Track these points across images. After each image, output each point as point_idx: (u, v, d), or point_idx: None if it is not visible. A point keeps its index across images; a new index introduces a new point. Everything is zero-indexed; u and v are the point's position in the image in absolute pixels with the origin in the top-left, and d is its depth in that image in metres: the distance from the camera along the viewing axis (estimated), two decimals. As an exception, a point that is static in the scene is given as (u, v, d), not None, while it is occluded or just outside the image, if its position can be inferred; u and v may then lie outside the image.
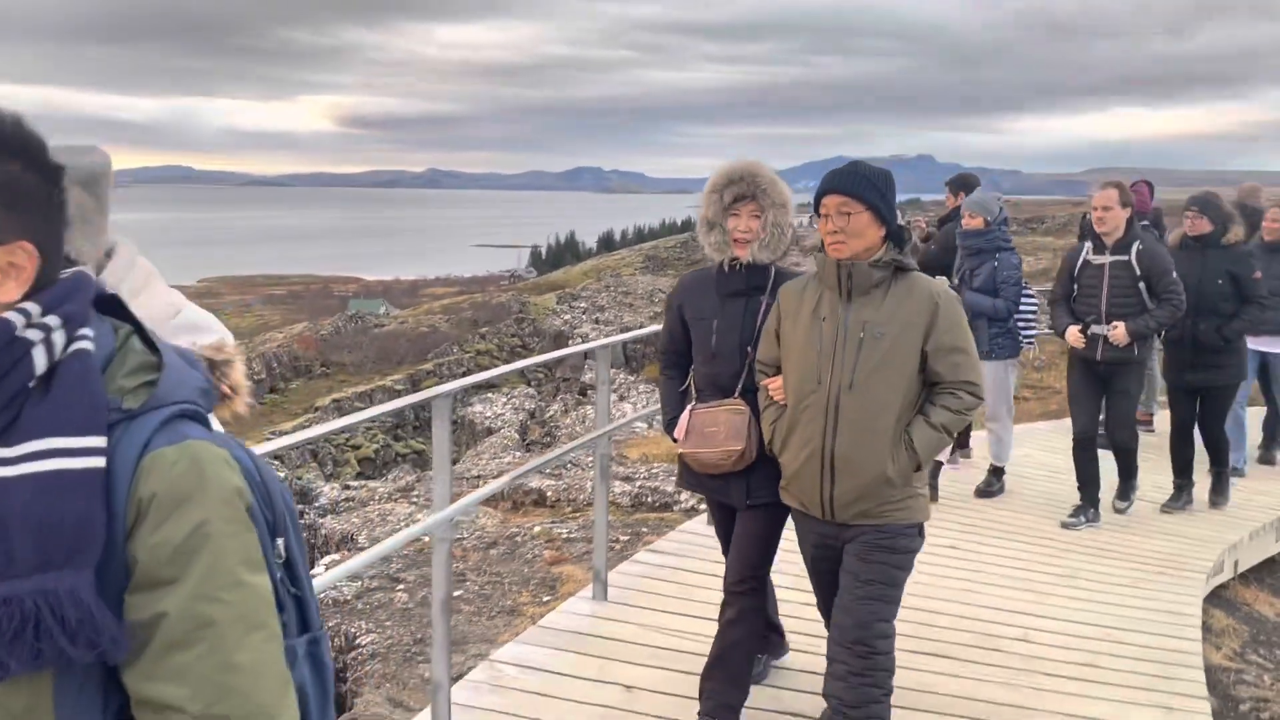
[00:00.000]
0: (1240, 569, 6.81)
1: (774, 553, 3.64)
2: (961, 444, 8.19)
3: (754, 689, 3.79)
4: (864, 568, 3.14)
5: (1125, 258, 5.89)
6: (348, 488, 11.03)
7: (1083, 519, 6.37)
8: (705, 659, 3.67)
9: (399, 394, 19.73)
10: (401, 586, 6.06)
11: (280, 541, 1.10)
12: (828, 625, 3.40)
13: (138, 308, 1.37)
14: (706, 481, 3.54)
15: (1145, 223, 8.17)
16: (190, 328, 1.46)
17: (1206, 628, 5.70)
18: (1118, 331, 5.83)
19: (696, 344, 3.54)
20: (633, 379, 18.87)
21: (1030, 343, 7.45)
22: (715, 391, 3.46)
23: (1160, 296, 5.84)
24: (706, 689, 3.60)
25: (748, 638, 3.58)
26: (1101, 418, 6.67)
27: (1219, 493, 6.91)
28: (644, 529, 6.80)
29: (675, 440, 3.54)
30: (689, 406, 3.50)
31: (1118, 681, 4.66)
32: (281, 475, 11.71)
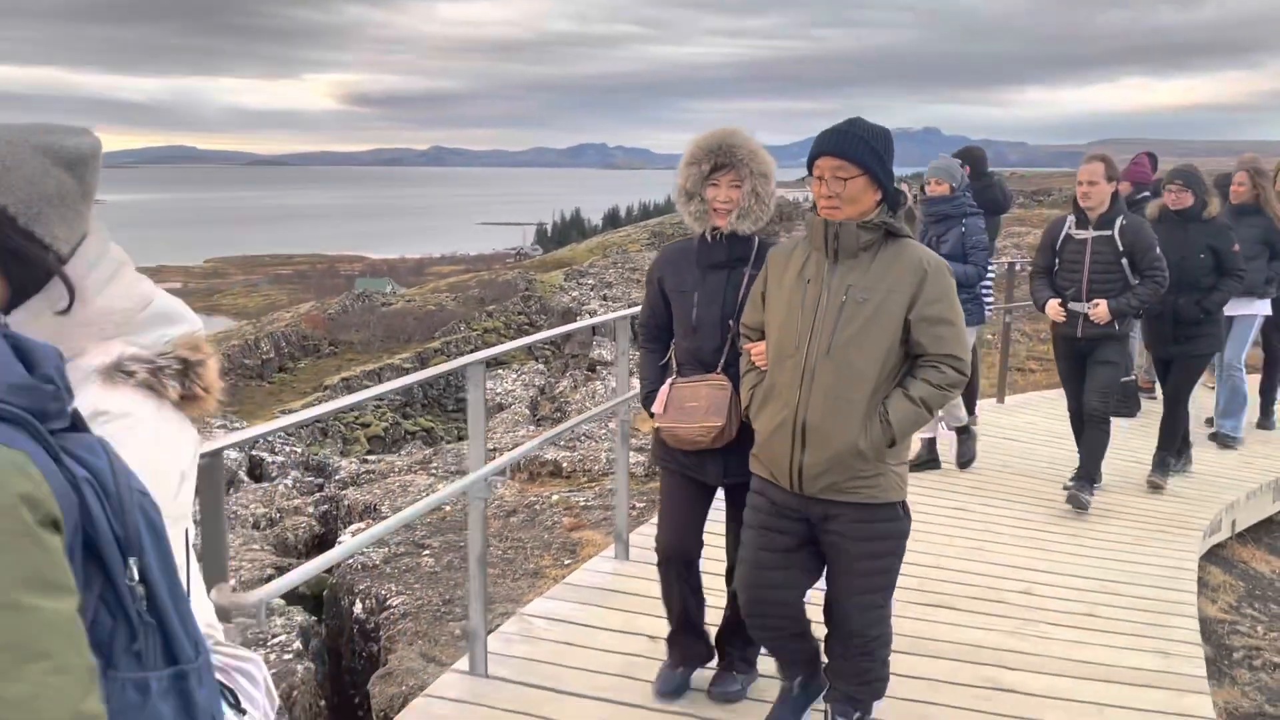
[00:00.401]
0: (1238, 529, 6.91)
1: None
2: (969, 410, 8.32)
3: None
4: (859, 566, 3.07)
5: (1109, 233, 5.81)
6: (365, 461, 11.18)
7: (1077, 488, 6.32)
8: (723, 613, 3.74)
9: (406, 372, 19.84)
10: (427, 552, 6.19)
11: (133, 562, 0.98)
12: (728, 582, 3.51)
13: (107, 298, 1.36)
14: (680, 458, 3.44)
15: (1146, 193, 8.42)
16: (162, 319, 1.39)
17: (1203, 583, 5.81)
18: (1099, 310, 5.79)
19: (677, 317, 3.41)
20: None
21: (990, 311, 7.37)
22: (697, 366, 3.36)
23: (1143, 273, 5.79)
24: (725, 647, 3.70)
25: (698, 587, 3.67)
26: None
27: (1161, 472, 6.69)
28: (658, 496, 6.95)
29: (653, 415, 3.42)
30: (669, 380, 3.39)
31: (1117, 629, 4.79)
32: (298, 451, 11.88)
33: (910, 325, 2.89)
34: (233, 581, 2.85)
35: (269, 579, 6.02)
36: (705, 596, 3.77)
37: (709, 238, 3.29)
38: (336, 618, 5.96)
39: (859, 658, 3.16)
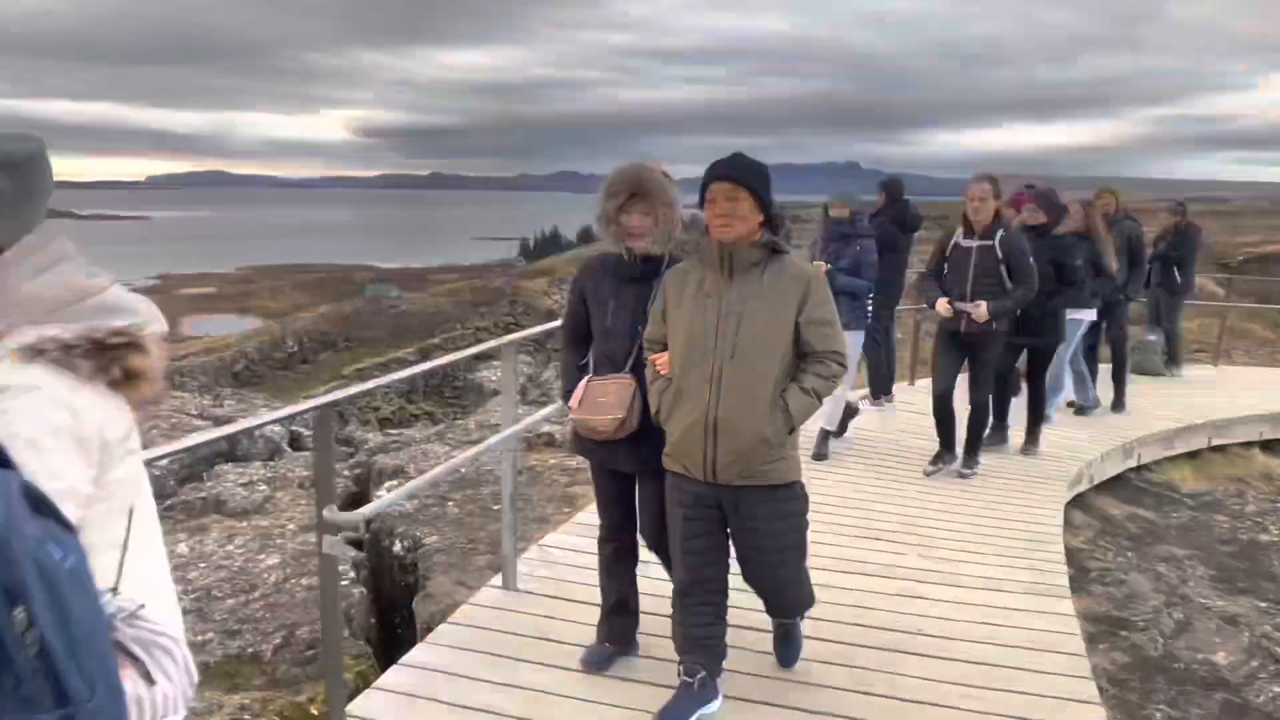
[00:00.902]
0: (1095, 482, 7.12)
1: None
2: (885, 390, 8.44)
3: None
4: (770, 542, 3.00)
5: (990, 243, 5.65)
6: (387, 435, 11.29)
7: (941, 465, 6.22)
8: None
9: (411, 364, 19.86)
10: (451, 503, 6.28)
11: (19, 611, 0.83)
12: (664, 562, 3.32)
13: (36, 287, 1.28)
14: (595, 449, 3.29)
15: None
16: (104, 311, 1.29)
17: (1068, 521, 6.00)
18: (980, 310, 5.63)
19: (595, 323, 3.30)
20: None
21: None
22: (609, 366, 3.22)
23: (1017, 279, 5.67)
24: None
25: (633, 570, 3.54)
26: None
27: (1033, 441, 6.76)
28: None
29: (570, 408, 3.28)
30: (585, 379, 3.26)
31: (1002, 553, 4.99)
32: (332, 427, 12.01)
33: (799, 328, 2.84)
34: (331, 510, 3.04)
35: (297, 536, 6.15)
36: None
37: (625, 257, 3.19)
38: (377, 555, 6.01)
39: (788, 600, 3.19)
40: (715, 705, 3.00)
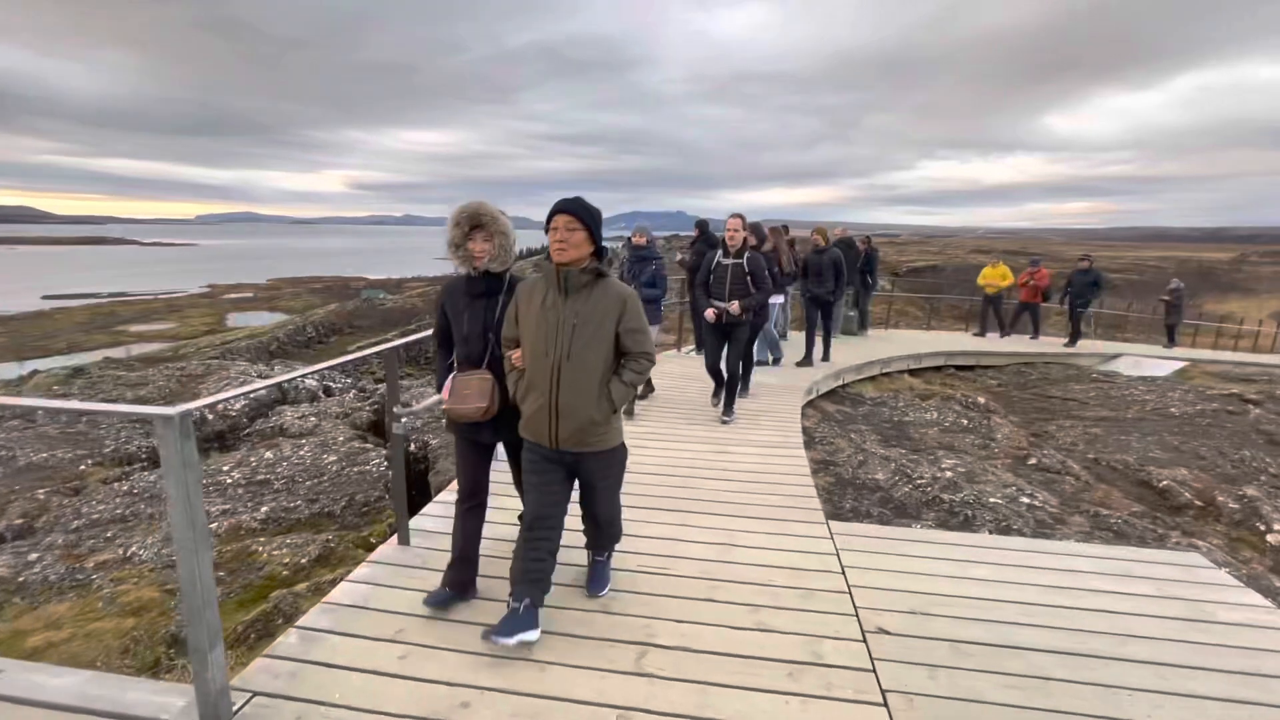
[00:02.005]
0: (818, 392, 7.40)
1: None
2: (776, 355, 8.08)
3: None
4: (603, 484, 2.62)
5: (741, 261, 5.25)
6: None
7: (717, 398, 5.88)
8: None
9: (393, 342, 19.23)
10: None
11: None
12: (529, 514, 2.55)
13: None
14: (464, 428, 2.74)
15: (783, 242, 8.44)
16: None
17: (805, 413, 6.41)
18: (734, 306, 5.21)
19: (455, 331, 2.74)
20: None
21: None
22: (469, 364, 2.71)
23: (758, 285, 5.26)
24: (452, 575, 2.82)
25: (476, 533, 2.83)
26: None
27: (730, 407, 5.70)
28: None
29: (443, 400, 2.73)
30: (452, 375, 2.74)
31: (764, 430, 5.26)
32: (348, 381, 11.70)
33: (619, 335, 2.48)
34: (399, 406, 2.94)
35: (347, 442, 6.05)
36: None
37: (472, 275, 2.67)
38: (399, 451, 6.14)
39: (608, 529, 2.79)
40: (534, 635, 2.47)
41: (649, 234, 5.76)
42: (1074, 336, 11.89)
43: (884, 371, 9.05)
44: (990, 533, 4.23)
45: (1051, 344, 11.96)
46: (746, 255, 5.28)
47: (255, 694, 2.23)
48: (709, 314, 5.34)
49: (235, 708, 2.15)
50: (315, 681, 2.28)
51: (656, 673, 2.37)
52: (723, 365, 5.69)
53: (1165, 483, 5.54)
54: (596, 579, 2.91)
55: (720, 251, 5.37)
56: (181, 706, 2.13)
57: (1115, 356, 11.59)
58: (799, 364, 7.98)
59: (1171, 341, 13.67)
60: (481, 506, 2.82)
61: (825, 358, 8.29)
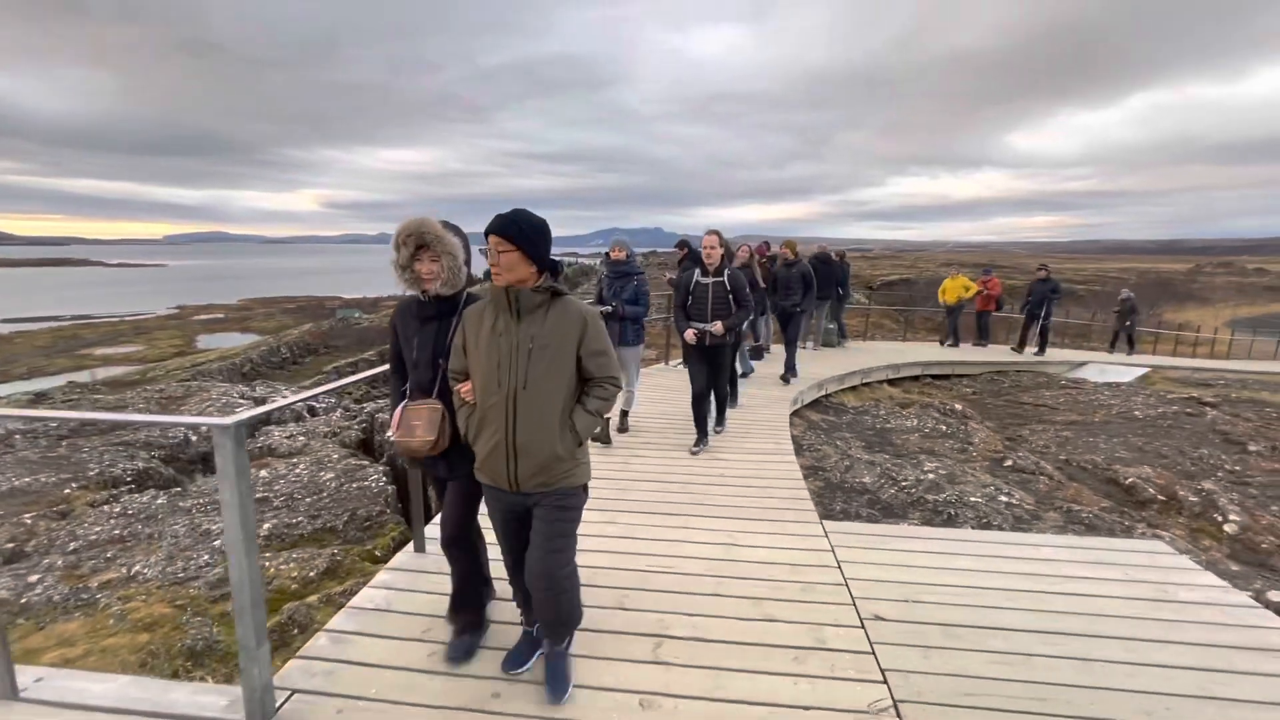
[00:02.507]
0: (803, 403, 7.48)
1: (476, 511, 2.55)
2: (758, 355, 8.49)
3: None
4: (548, 528, 2.23)
5: (721, 279, 4.97)
6: (376, 402, 10.98)
7: (699, 447, 5.11)
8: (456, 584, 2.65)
9: (374, 364, 19.16)
10: None
11: None
12: (509, 569, 2.42)
13: None
14: (417, 461, 2.53)
15: (765, 259, 8.81)
16: None
17: (792, 421, 6.47)
18: (717, 326, 4.93)
19: (405, 357, 2.50)
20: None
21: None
22: (420, 392, 2.44)
23: (740, 304, 4.99)
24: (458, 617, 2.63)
25: (474, 571, 2.61)
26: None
27: (721, 418, 5.60)
28: None
29: (391, 431, 2.46)
30: (401, 404, 2.47)
31: (757, 439, 5.35)
32: (332, 401, 11.61)
33: (581, 359, 2.21)
34: (389, 433, 2.81)
35: (342, 460, 6.08)
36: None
37: (422, 298, 2.43)
38: (394, 467, 5.93)
39: (560, 599, 2.27)
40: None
41: (629, 248, 5.25)
42: (1041, 346, 11.92)
43: (864, 381, 9.19)
44: (972, 528, 4.46)
45: (1002, 351, 12.04)
46: (727, 272, 4.99)
47: (295, 691, 2.33)
48: (689, 335, 4.96)
49: (278, 704, 2.25)
50: (350, 679, 2.38)
51: (672, 661, 2.50)
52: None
53: (1131, 480, 5.87)
54: (556, 678, 2.35)
55: (699, 270, 5.03)
56: (224, 705, 2.23)
57: (1082, 364, 12.03)
58: (781, 377, 7.87)
59: (1130, 347, 14.10)
60: (468, 548, 2.53)
61: (792, 370, 7.95)
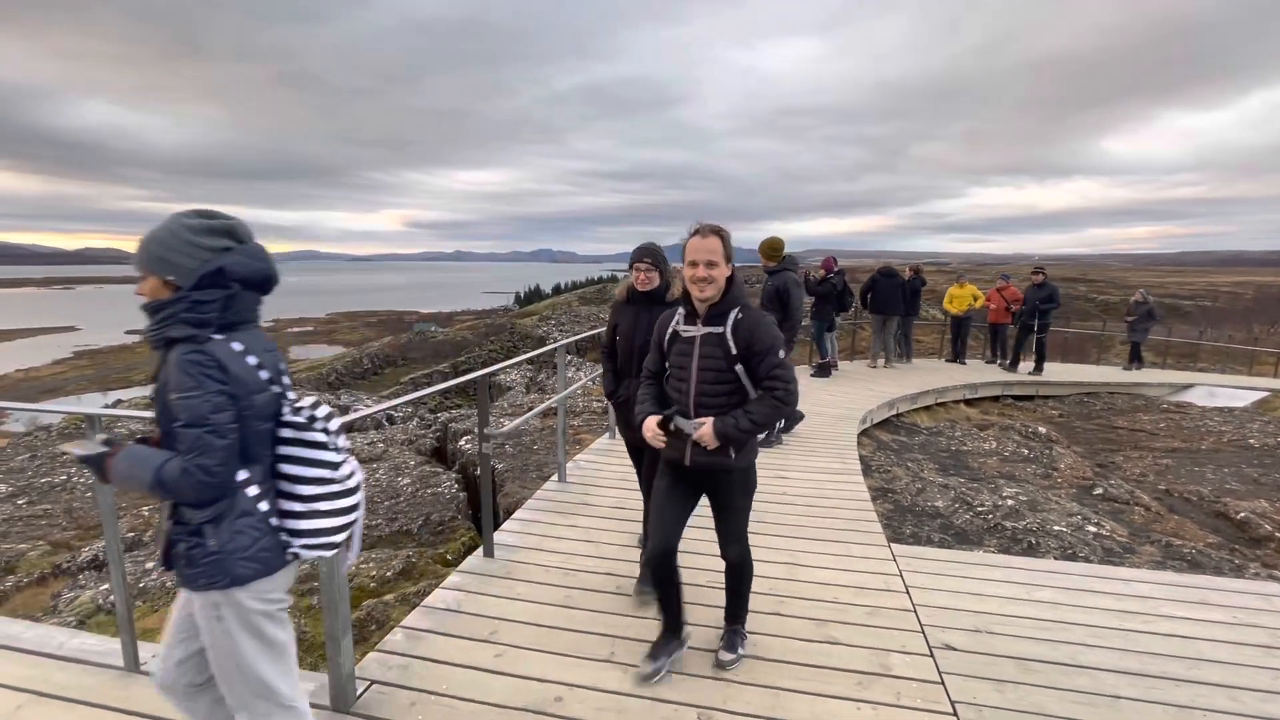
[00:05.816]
0: (872, 421, 7.40)
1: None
2: (824, 372, 8.49)
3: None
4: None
5: (721, 330, 2.99)
6: (449, 413, 11.46)
7: (662, 659, 2.58)
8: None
9: (447, 376, 19.48)
10: (507, 446, 6.38)
11: None
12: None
13: None
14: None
15: (831, 277, 8.64)
16: None
17: (860, 441, 6.38)
18: (706, 430, 3.05)
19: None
20: (581, 360, 19.48)
21: None
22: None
23: (762, 375, 3.43)
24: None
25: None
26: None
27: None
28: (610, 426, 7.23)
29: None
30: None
31: (823, 458, 5.34)
32: (409, 410, 12.12)
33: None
34: (490, 429, 3.11)
35: (418, 466, 6.32)
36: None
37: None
38: (465, 475, 6.21)
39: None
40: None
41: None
42: (1038, 364, 10.49)
43: (939, 401, 8.97)
44: (1055, 558, 4.22)
45: (1102, 371, 11.30)
46: (734, 317, 3.12)
47: (373, 682, 2.49)
48: (648, 429, 2.46)
49: (358, 692, 2.42)
50: (423, 674, 2.52)
51: (731, 678, 2.51)
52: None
53: (1244, 514, 5.38)
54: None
55: (681, 312, 2.58)
56: (311, 690, 2.40)
57: (1188, 386, 11.17)
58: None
59: (1136, 360, 12.14)
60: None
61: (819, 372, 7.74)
